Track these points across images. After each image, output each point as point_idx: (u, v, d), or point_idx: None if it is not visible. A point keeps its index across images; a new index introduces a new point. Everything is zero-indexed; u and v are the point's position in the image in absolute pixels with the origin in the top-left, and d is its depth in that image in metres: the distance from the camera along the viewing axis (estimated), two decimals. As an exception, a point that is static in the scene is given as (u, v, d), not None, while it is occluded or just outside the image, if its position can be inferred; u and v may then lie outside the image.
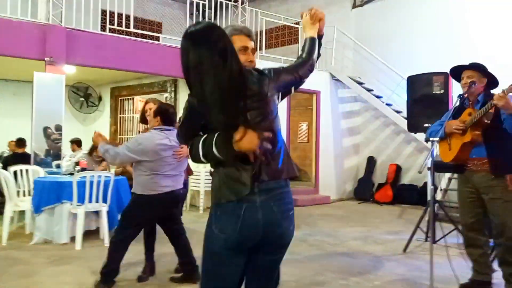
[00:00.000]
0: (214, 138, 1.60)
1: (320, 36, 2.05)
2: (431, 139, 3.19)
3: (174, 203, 3.49)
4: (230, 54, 1.57)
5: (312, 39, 1.98)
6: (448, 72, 3.49)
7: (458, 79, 3.34)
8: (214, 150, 1.59)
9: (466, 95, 3.18)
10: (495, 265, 3.33)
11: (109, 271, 3.28)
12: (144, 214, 3.35)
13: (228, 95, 1.56)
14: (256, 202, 1.65)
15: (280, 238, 1.73)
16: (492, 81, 3.22)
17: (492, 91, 3.22)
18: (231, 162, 1.62)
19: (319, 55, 2.05)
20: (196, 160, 1.70)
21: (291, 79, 1.85)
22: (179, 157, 3.31)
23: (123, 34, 7.22)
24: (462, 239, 3.42)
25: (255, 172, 1.63)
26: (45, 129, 6.26)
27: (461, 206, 3.34)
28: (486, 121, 3.07)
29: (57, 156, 6.40)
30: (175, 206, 3.54)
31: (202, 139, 1.64)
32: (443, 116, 3.44)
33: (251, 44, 1.88)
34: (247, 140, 1.55)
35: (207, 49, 1.55)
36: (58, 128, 6.35)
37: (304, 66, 1.88)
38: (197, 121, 1.68)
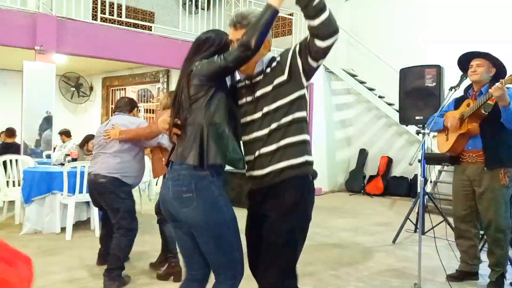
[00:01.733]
0: None
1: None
2: (426, 131, 3.16)
3: (95, 189, 3.29)
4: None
5: (265, 10, 1.55)
6: (442, 64, 3.46)
7: (464, 67, 3.22)
8: None
9: (475, 82, 3.11)
10: (483, 255, 3.37)
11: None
12: None
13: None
14: (167, 178, 1.85)
15: (176, 215, 1.80)
16: (500, 73, 3.10)
17: None
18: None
19: (326, 21, 1.54)
20: None
21: (216, 67, 1.68)
22: (106, 137, 3.27)
23: (115, 24, 7.14)
24: (454, 230, 3.46)
25: (170, 152, 1.86)
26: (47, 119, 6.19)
27: (454, 198, 3.36)
28: (483, 112, 3.04)
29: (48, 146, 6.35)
30: (98, 192, 3.28)
31: None
32: (445, 106, 3.35)
33: (235, 35, 1.78)
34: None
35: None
36: (49, 118, 6.29)
37: (235, 51, 1.63)
38: None
